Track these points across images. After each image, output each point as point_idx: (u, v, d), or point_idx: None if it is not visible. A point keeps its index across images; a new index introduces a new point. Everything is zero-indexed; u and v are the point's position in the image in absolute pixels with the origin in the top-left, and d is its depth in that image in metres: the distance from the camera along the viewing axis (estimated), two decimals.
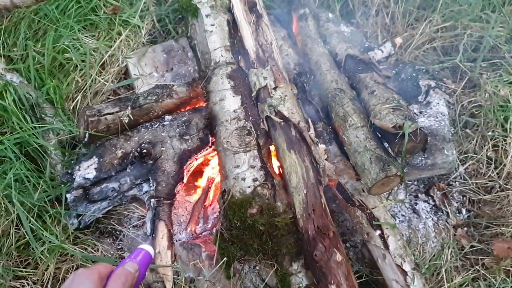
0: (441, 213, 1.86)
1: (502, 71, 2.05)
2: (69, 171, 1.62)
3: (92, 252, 1.62)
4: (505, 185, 1.84)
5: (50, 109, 1.83)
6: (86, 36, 2.04)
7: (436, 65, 2.20)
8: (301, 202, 1.39)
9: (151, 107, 1.75)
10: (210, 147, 1.72)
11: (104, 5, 2.10)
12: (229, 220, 1.40)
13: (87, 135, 1.63)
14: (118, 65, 2.05)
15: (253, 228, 1.36)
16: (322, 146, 1.57)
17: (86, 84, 1.96)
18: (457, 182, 1.95)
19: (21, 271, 1.56)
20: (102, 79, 1.99)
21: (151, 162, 1.65)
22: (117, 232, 1.74)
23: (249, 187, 1.43)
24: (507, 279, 1.61)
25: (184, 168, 1.67)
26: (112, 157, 1.64)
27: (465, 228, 1.84)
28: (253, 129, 1.56)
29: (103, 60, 2.01)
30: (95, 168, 1.61)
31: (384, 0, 2.34)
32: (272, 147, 1.61)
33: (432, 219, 1.84)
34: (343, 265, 1.27)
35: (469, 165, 1.93)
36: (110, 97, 2.04)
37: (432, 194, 1.90)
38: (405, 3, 2.30)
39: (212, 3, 1.86)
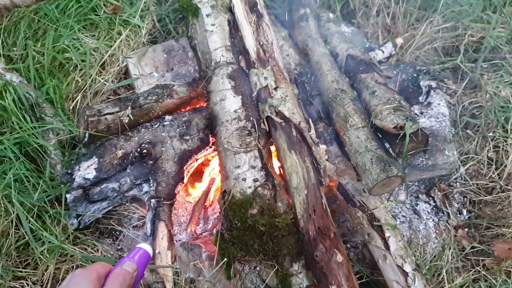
0: (442, 214, 1.85)
1: (503, 71, 2.04)
2: (69, 171, 1.62)
3: (92, 253, 1.62)
4: (506, 186, 1.83)
5: (50, 109, 1.82)
6: (86, 36, 2.03)
7: (437, 65, 2.20)
8: (301, 202, 1.38)
9: (151, 107, 1.75)
10: (211, 147, 1.72)
11: (104, 5, 2.10)
12: (230, 220, 1.40)
13: (87, 135, 1.63)
14: (118, 65, 2.04)
15: (254, 228, 1.36)
16: (323, 147, 1.57)
17: (86, 84, 1.95)
18: (458, 183, 1.94)
19: (21, 271, 1.55)
20: (102, 79, 1.98)
21: (151, 162, 1.65)
22: (117, 232, 1.73)
23: (249, 187, 1.42)
24: (508, 280, 1.61)
25: (184, 168, 1.67)
26: (112, 157, 1.63)
27: (466, 229, 1.83)
28: (253, 129, 1.55)
29: (103, 60, 2.00)
30: (95, 168, 1.61)
31: (385, 0, 2.35)
32: (272, 148, 1.61)
33: (433, 220, 1.83)
34: (344, 266, 1.26)
35: (470, 166, 1.93)
36: (110, 97, 2.04)
37: (433, 195, 1.90)
38: (406, 3, 2.30)
39: (213, 3, 1.86)
